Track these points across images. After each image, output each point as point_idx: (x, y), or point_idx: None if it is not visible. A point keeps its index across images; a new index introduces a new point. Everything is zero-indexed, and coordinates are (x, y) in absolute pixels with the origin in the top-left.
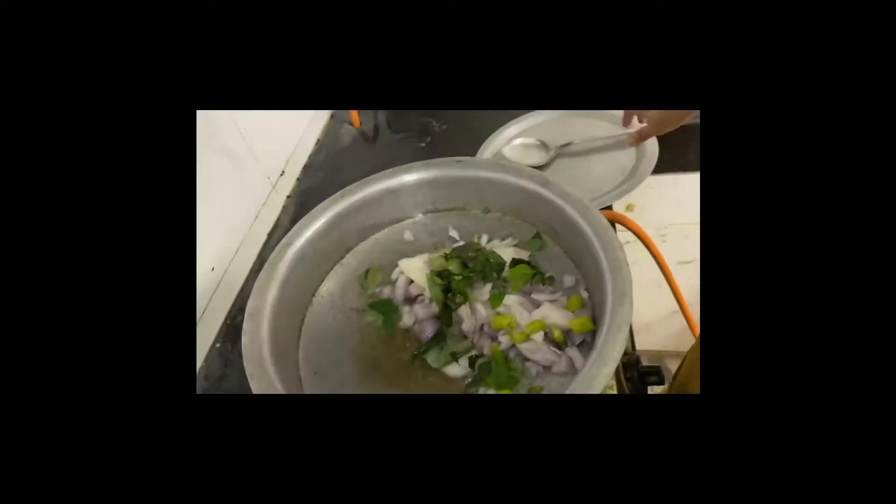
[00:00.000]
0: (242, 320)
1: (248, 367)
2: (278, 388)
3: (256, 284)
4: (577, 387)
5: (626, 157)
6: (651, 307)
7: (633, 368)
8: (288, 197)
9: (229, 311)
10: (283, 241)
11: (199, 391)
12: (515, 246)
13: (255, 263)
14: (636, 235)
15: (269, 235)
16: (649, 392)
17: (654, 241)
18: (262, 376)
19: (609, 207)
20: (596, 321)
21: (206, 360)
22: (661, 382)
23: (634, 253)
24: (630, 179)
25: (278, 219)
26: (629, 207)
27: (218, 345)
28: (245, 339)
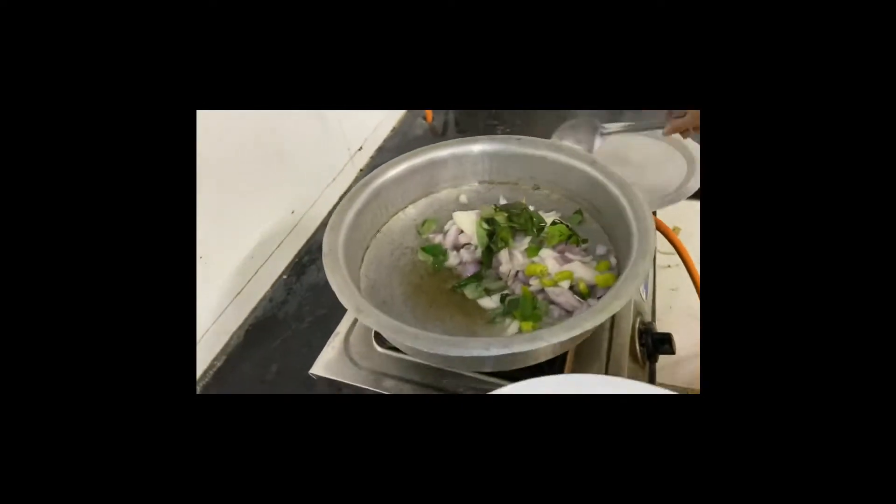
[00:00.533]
0: (308, 261)
1: (326, 261)
2: (349, 281)
3: (338, 208)
4: (589, 313)
5: (677, 172)
6: (683, 340)
7: (648, 335)
8: (361, 170)
9: (298, 251)
10: (364, 179)
11: (261, 313)
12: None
13: (324, 218)
14: (675, 248)
15: (341, 198)
16: (660, 359)
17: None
18: (337, 270)
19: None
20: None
21: (273, 287)
22: (672, 352)
23: (676, 279)
24: (677, 191)
25: (350, 187)
26: (675, 230)
27: (285, 276)
28: (325, 241)
